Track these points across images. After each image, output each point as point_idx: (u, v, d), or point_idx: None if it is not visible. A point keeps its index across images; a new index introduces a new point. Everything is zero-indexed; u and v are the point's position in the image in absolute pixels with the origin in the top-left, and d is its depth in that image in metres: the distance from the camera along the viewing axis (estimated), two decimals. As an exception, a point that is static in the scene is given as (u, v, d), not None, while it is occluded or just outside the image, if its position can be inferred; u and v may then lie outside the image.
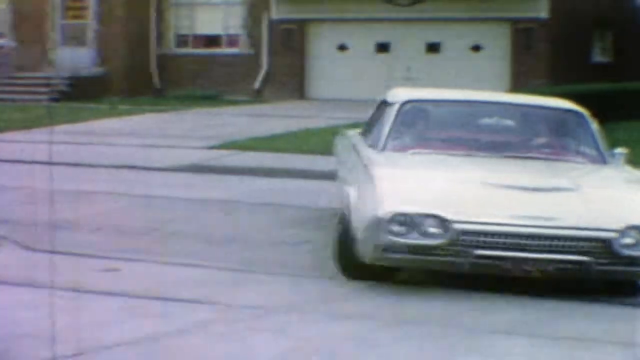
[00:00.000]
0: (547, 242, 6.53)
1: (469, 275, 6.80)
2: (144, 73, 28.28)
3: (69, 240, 8.31)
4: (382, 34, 27.14)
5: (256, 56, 27.96)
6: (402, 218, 6.53)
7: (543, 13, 25.39)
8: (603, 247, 6.52)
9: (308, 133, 18.04)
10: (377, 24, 26.94)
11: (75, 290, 6.46)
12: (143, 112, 22.58)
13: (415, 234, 6.54)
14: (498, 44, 26.12)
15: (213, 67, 28.26)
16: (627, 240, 6.54)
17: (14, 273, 7.10)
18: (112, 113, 22.21)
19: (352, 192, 7.25)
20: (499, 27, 26.00)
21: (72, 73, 26.76)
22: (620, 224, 6.55)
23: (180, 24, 28.98)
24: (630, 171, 7.94)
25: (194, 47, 28.98)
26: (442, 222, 6.51)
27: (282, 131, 18.35)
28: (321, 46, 27.64)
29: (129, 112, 22.47)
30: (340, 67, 27.28)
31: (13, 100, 24.99)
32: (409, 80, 25.25)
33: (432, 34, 26.67)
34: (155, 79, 28.60)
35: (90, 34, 28.13)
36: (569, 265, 6.57)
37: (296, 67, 27.56)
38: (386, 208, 6.56)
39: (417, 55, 26.71)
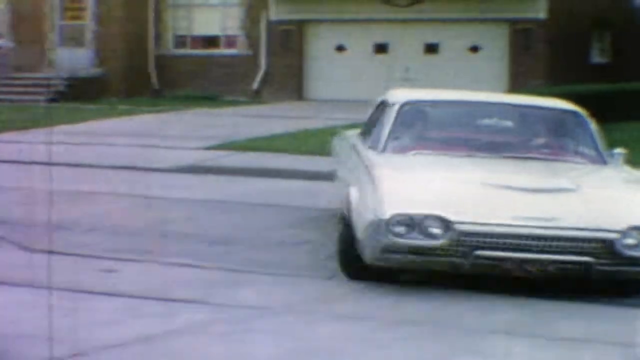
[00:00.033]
0: (549, 243, 6.54)
1: (468, 275, 6.80)
2: (142, 74, 28.26)
3: (67, 240, 8.30)
4: (380, 34, 27.14)
5: (254, 57, 27.95)
6: (404, 219, 6.54)
7: (541, 13, 25.39)
8: (605, 248, 6.54)
9: (307, 134, 18.03)
10: (375, 24, 26.93)
11: (74, 290, 6.45)
12: (142, 112, 22.57)
13: (416, 235, 6.56)
14: (496, 45, 26.12)
15: (211, 67, 28.25)
16: (629, 241, 6.56)
17: (12, 273, 7.09)
18: (111, 113, 22.19)
19: (353, 193, 7.26)
20: (497, 28, 26.00)
21: (70, 74, 26.74)
22: (621, 225, 6.57)
23: (179, 25, 28.97)
24: (629, 171, 7.95)
25: (192, 47, 28.97)
26: (444, 222, 6.52)
27: (280, 132, 18.34)
28: (319, 47, 27.63)
29: (127, 113, 22.46)
30: (339, 67, 27.28)
31: (11, 100, 24.97)
32: (407, 81, 25.25)
33: (431, 35, 26.67)
34: (154, 80, 28.58)
35: (88, 35, 28.12)
36: (571, 266, 6.59)
37: (294, 67, 27.55)
38: (388, 209, 6.57)
39: (415, 56, 26.71)
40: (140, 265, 7.60)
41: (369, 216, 6.67)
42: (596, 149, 8.09)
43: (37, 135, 16.04)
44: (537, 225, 6.55)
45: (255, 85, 27.95)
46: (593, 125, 8.30)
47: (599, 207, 6.79)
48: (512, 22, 25.77)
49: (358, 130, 9.60)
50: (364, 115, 9.63)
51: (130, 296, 6.50)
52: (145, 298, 6.46)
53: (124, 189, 11.67)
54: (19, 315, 5.93)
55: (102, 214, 9.97)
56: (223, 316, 6.05)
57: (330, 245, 8.49)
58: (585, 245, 6.55)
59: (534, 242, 6.53)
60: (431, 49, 26.73)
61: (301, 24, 27.51)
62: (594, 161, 7.98)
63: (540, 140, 8.36)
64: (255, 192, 11.69)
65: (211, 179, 13.09)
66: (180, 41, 29.03)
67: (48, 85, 26.41)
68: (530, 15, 25.45)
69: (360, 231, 6.81)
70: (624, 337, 5.83)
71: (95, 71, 27.70)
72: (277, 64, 27.62)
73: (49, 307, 5.63)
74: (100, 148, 15.99)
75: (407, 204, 6.63)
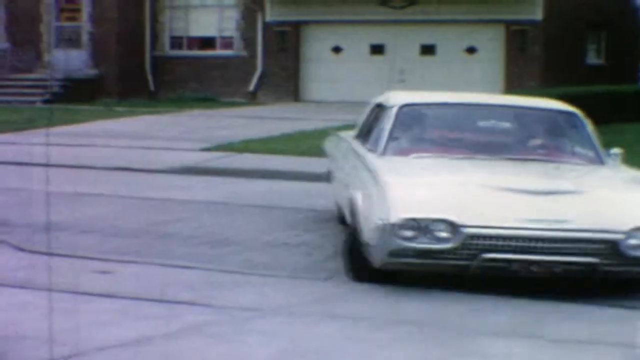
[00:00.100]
0: (555, 245, 6.61)
1: (472, 276, 6.81)
2: (138, 75, 28.26)
3: (64, 242, 8.29)
4: (376, 36, 27.18)
5: (251, 58, 27.96)
6: (412, 223, 6.59)
7: (537, 15, 25.44)
8: (609, 249, 6.61)
9: (303, 135, 18.04)
10: (371, 26, 26.97)
11: (72, 291, 6.44)
12: (137, 114, 22.56)
13: (425, 239, 6.60)
14: (492, 46, 26.16)
15: (207, 69, 28.26)
16: (634, 242, 6.63)
17: (9, 275, 7.07)
18: (107, 115, 22.18)
19: (358, 197, 7.28)
20: (493, 29, 26.04)
21: (66, 75, 26.73)
22: (626, 226, 6.64)
23: (175, 26, 28.97)
24: (628, 171, 8.03)
25: (188, 49, 28.98)
26: (452, 226, 6.57)
27: (277, 133, 18.35)
28: (316, 48, 27.65)
29: (123, 114, 22.46)
30: (335, 69, 27.31)
31: (7, 102, 24.96)
32: (404, 82, 25.28)
33: (427, 36, 26.70)
34: (149, 81, 28.57)
35: (84, 36, 28.10)
36: (576, 267, 6.66)
37: (291, 69, 27.57)
38: (396, 214, 6.60)
39: (411, 57, 26.74)
40: (139, 266, 7.58)
41: (377, 220, 6.70)
42: (594, 149, 8.16)
43: (32, 136, 16.03)
44: (544, 227, 6.61)
45: (251, 87, 27.96)
46: (590, 125, 8.35)
47: (603, 208, 6.85)
48: (508, 24, 25.82)
49: (352, 132, 9.60)
50: (360, 116, 9.62)
51: (129, 298, 6.49)
52: (142, 299, 6.44)
53: (120, 191, 11.66)
54: (17, 316, 5.91)
55: (100, 215, 9.95)
56: (222, 317, 6.04)
57: (329, 246, 8.50)
58: (591, 246, 6.61)
59: (541, 244, 6.59)
60: (427, 50, 26.76)
61: (297, 25, 27.53)
62: (592, 161, 8.04)
63: (540, 142, 8.41)
64: (251, 194, 11.68)
65: (208, 180, 13.08)
66: (176, 42, 29.03)
67: (43, 87, 26.41)
68: (526, 16, 25.49)
69: (367, 235, 6.84)
70: (626, 338, 5.83)
71: (90, 72, 27.68)
72: (274, 65, 27.63)
73: (46, 308, 5.62)
74: (96, 149, 15.98)
75: (415, 208, 6.67)
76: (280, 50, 27.54)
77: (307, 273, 7.54)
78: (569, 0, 25.99)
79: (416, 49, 26.83)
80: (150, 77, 28.60)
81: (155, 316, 6.06)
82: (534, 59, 25.47)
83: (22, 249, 8.01)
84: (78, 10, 28.26)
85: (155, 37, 28.80)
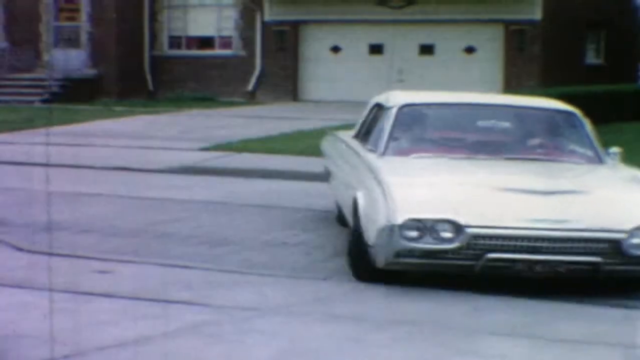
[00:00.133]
0: (558, 244, 6.63)
1: (468, 275, 6.81)
2: (137, 75, 28.24)
3: (63, 241, 8.28)
4: (375, 35, 27.16)
5: (249, 58, 27.94)
6: (417, 224, 6.61)
7: (536, 15, 25.41)
8: (613, 248, 6.64)
9: (301, 135, 18.02)
10: (370, 25, 26.95)
11: (71, 291, 6.43)
12: (136, 114, 22.54)
13: (429, 239, 6.62)
14: (491, 46, 26.14)
15: (206, 68, 28.24)
16: (636, 241, 6.66)
17: (8, 274, 7.06)
18: (106, 115, 22.16)
19: (360, 198, 7.27)
20: (492, 29, 26.01)
21: (64, 75, 26.71)
22: (628, 225, 6.67)
23: (173, 26, 28.95)
24: (627, 170, 8.04)
25: (187, 48, 28.97)
26: (456, 226, 6.59)
27: (275, 133, 18.34)
28: (314, 48, 27.63)
29: (122, 114, 22.44)
30: (334, 68, 27.29)
31: (5, 101, 24.93)
32: (402, 82, 25.26)
33: (425, 36, 26.68)
34: (148, 81, 28.56)
35: (83, 36, 28.08)
36: (580, 266, 6.69)
37: (289, 68, 27.55)
38: (400, 214, 6.62)
39: (410, 57, 26.72)
40: (138, 266, 7.58)
41: (381, 221, 6.71)
42: (593, 148, 8.18)
43: (31, 136, 16.02)
44: (547, 227, 6.63)
45: (250, 86, 27.95)
46: (589, 125, 8.36)
47: (605, 207, 6.89)
48: (507, 24, 25.79)
49: (351, 132, 9.59)
50: (359, 116, 9.61)
51: (128, 297, 6.48)
52: (144, 299, 6.44)
53: (119, 190, 11.64)
54: (16, 316, 5.91)
55: (99, 215, 9.94)
56: (221, 317, 6.03)
57: (328, 246, 8.50)
58: (594, 245, 6.65)
59: (544, 244, 6.61)
60: (426, 50, 26.74)
61: (296, 24, 27.51)
62: (591, 161, 8.05)
63: (540, 141, 8.43)
64: (250, 193, 11.67)
65: (206, 180, 13.07)
66: (175, 42, 29.01)
67: (42, 87, 26.39)
68: (525, 16, 25.47)
69: (371, 236, 6.84)
70: (625, 338, 5.84)
71: (89, 72, 27.66)
72: (272, 64, 27.62)
73: (46, 308, 5.61)
74: (95, 149, 15.96)
75: (419, 208, 6.69)
76: (279, 50, 27.53)
77: (306, 273, 7.54)
78: (567, 0, 25.99)
79: (415, 49, 26.81)
80: (149, 77, 28.58)
81: (154, 316, 6.05)
82: (533, 59, 25.45)
83: (20, 249, 8.00)
84: (77, 10, 28.24)
85: (154, 36, 28.78)
